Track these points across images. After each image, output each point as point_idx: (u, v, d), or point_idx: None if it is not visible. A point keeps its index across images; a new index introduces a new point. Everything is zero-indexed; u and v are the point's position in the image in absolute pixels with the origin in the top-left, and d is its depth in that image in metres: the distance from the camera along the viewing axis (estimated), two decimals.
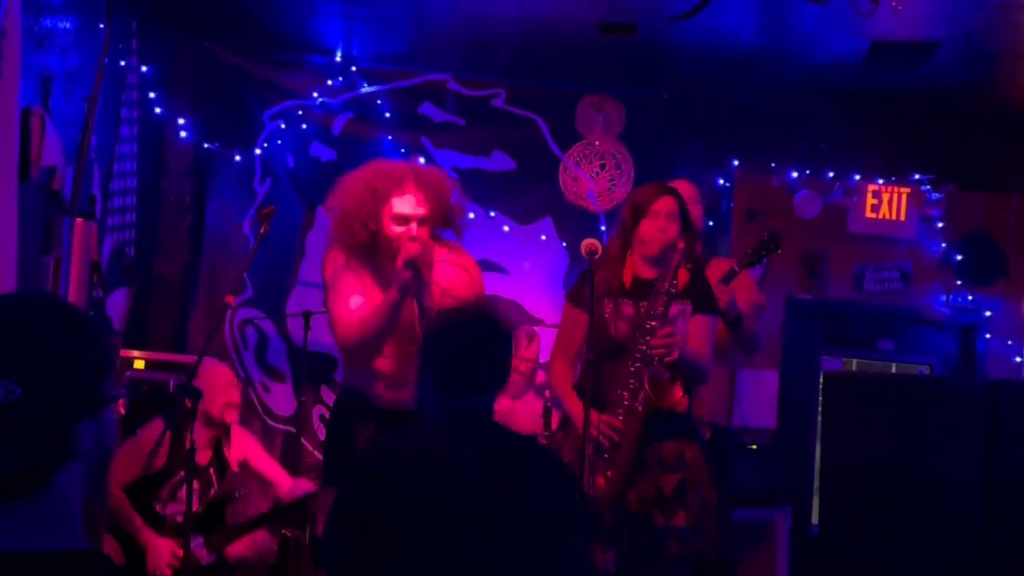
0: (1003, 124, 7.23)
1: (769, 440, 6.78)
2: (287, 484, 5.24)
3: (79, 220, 4.86)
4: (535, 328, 6.72)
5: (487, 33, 6.82)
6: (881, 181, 7.47)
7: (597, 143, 7.24)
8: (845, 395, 4.46)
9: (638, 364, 4.09)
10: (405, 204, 4.09)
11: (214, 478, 5.19)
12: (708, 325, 4.31)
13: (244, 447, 5.37)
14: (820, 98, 7.31)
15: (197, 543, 4.91)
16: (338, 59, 7.34)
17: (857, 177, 7.48)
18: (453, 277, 4.19)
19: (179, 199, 7.28)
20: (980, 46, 6.31)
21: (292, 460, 6.64)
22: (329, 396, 7.03)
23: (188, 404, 4.46)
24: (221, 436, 5.25)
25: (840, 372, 7.00)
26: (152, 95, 6.87)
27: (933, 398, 4.37)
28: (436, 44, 7.11)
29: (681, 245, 4.19)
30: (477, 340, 2.95)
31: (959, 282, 7.45)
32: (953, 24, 6.03)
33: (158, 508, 4.99)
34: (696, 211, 5.11)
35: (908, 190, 7.45)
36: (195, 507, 4.77)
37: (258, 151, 7.37)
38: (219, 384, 5.18)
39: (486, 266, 7.46)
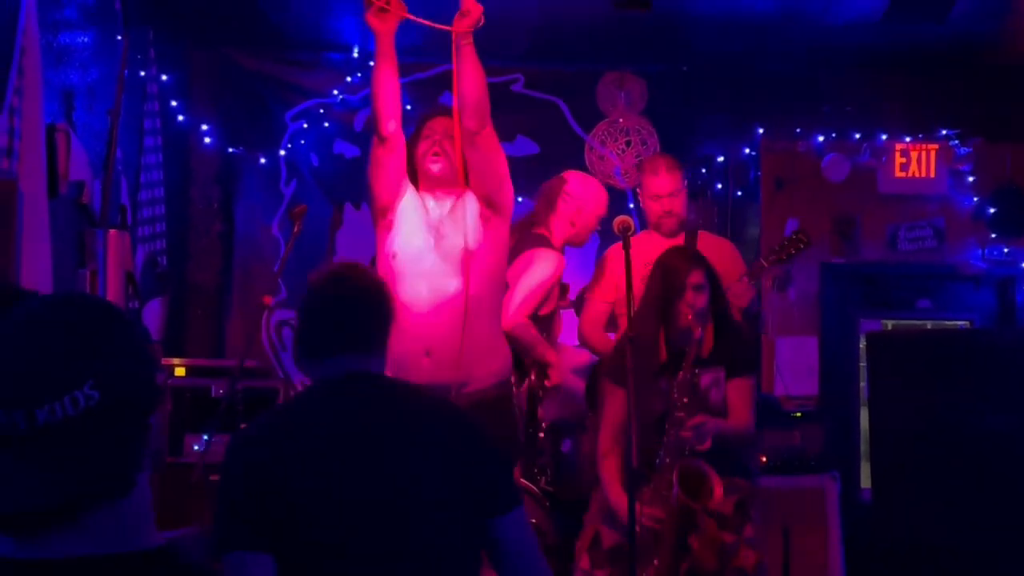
0: None
1: (812, 406, 6.74)
2: None
3: (112, 231, 4.88)
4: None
5: (502, 18, 6.71)
6: (908, 139, 7.40)
7: (621, 120, 7.19)
8: (889, 354, 4.42)
9: (669, 458, 3.95)
10: None
11: None
12: (747, 389, 4.21)
13: None
14: (842, 60, 7.26)
15: None
16: (355, 55, 7.32)
17: (884, 137, 7.41)
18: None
19: (207, 205, 7.32)
20: None
21: None
22: None
23: None
24: None
25: (883, 332, 6.94)
26: (174, 103, 6.89)
27: (978, 351, 4.32)
28: (452, 33, 7.07)
29: (698, 311, 4.06)
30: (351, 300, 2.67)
31: (993, 235, 7.38)
32: None
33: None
34: (679, 202, 5.18)
35: (936, 146, 7.38)
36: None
37: (282, 152, 7.38)
38: (598, 199, 5.57)
39: None
